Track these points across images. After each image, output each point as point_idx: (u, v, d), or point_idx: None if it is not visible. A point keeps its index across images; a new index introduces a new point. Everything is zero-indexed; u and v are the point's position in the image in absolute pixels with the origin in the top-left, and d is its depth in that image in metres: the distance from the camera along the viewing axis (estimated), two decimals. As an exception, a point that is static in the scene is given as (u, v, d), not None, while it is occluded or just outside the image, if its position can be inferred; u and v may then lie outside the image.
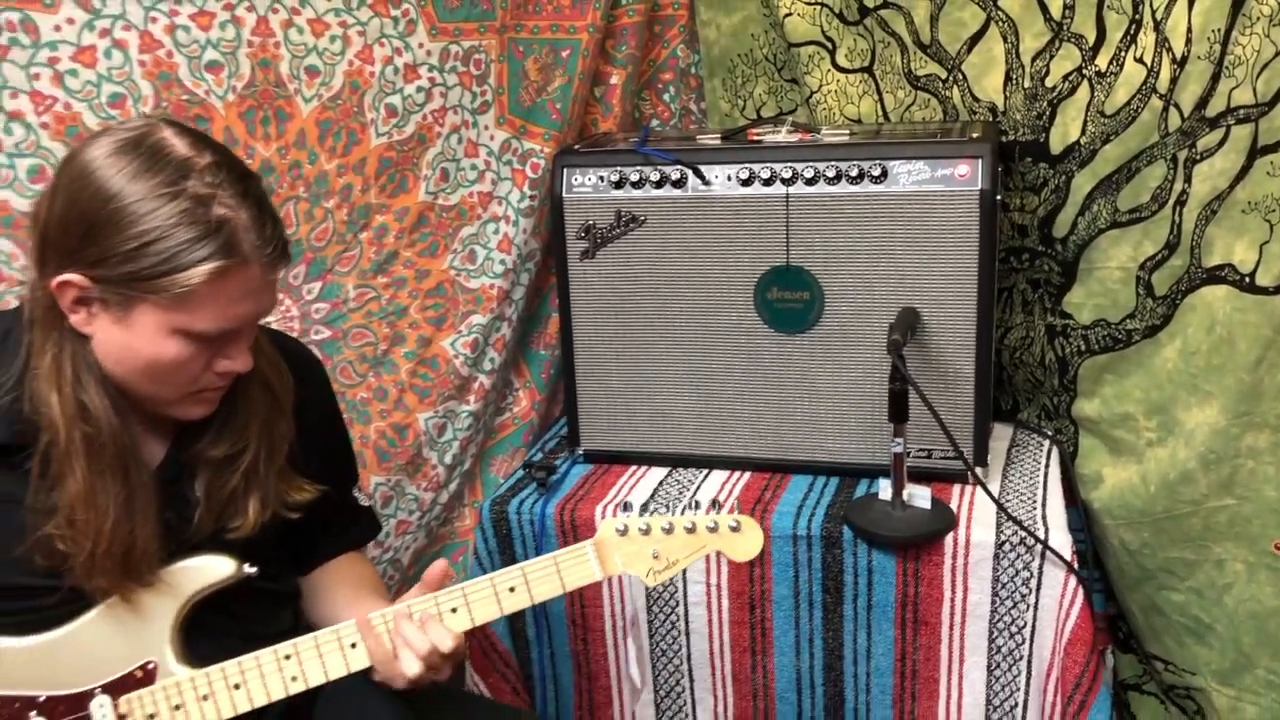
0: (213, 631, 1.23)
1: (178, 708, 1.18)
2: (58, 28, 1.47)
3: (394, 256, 1.87)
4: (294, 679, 1.20)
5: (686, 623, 1.75)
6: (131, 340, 1.12)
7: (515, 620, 1.84)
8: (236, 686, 1.19)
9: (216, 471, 1.23)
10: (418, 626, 1.22)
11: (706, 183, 1.74)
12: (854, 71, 2.00)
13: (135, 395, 1.16)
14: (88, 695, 1.18)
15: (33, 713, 1.16)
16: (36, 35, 1.45)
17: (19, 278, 1.48)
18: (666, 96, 2.24)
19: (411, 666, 1.21)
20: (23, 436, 1.13)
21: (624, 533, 1.30)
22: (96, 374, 1.13)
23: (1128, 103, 1.68)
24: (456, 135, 1.90)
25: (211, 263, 1.08)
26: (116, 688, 1.18)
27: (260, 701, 1.20)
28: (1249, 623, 1.76)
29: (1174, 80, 1.62)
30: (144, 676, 1.19)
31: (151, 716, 1.18)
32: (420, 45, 1.81)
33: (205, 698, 1.18)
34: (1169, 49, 1.62)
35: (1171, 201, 1.68)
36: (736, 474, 1.85)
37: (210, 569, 1.21)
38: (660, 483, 1.84)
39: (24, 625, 1.18)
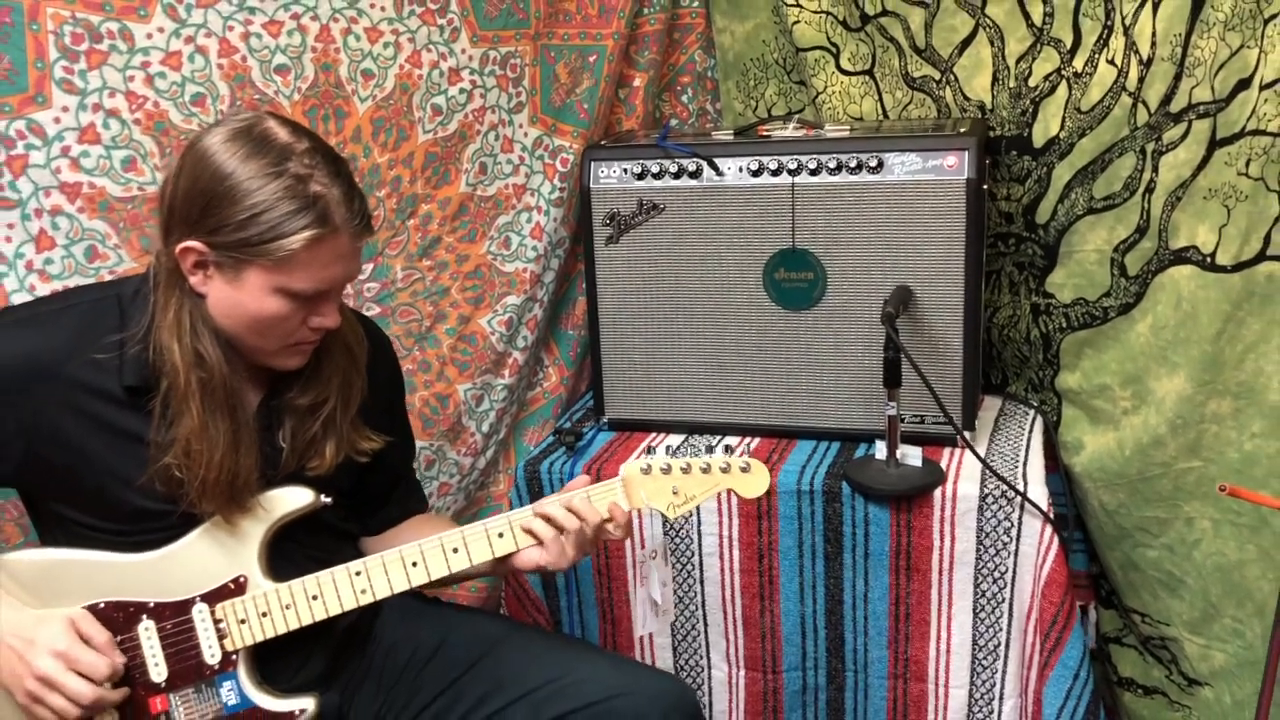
0: (290, 557, 1.42)
1: (264, 615, 1.37)
2: (150, 35, 1.66)
3: (437, 242, 2.07)
4: (363, 591, 1.39)
5: (701, 571, 1.93)
6: (241, 298, 1.31)
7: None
8: (315, 597, 1.38)
9: (301, 419, 1.42)
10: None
11: (720, 174, 1.92)
12: (856, 74, 2.17)
13: (241, 347, 1.35)
14: (189, 603, 1.37)
15: (144, 616, 1.36)
16: (132, 42, 1.65)
17: (113, 256, 1.68)
18: (685, 98, 2.42)
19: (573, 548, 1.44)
20: (148, 381, 1.32)
21: (648, 471, 1.49)
22: (210, 327, 1.33)
23: (1101, 100, 1.85)
24: (494, 133, 2.09)
25: (309, 231, 1.27)
26: (213, 597, 1.38)
27: (334, 610, 1.39)
28: (1215, 575, 1.91)
29: (1141, 80, 1.79)
30: (236, 588, 1.38)
31: (242, 621, 1.37)
32: (463, 51, 2.00)
33: (288, 606, 1.38)
34: (1136, 51, 1.79)
35: (1141, 189, 1.84)
36: (747, 439, 2.02)
37: (293, 498, 1.40)
38: (677, 447, 2.02)
39: (140, 544, 1.37)
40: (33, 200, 1.59)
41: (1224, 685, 1.96)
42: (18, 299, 1.59)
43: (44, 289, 1.61)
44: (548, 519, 1.43)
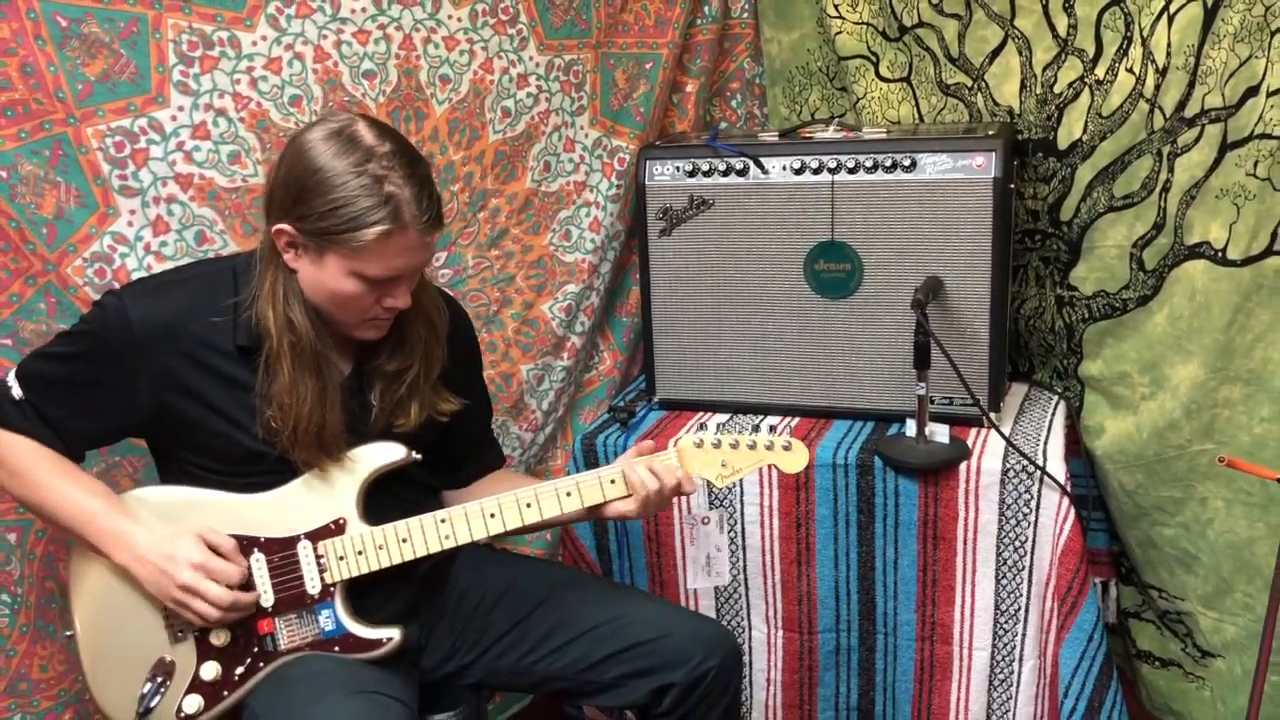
0: (383, 504, 1.60)
1: (360, 553, 1.56)
2: (254, 43, 1.85)
3: (504, 233, 2.25)
4: (447, 537, 1.57)
5: (743, 538, 2.09)
6: (322, 277, 1.49)
7: (600, 537, 2.19)
8: (404, 540, 1.56)
9: (388, 382, 1.61)
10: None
11: (765, 172, 2.08)
12: (894, 81, 2.33)
13: (326, 318, 1.54)
14: (295, 539, 1.56)
15: (255, 549, 1.55)
16: (239, 49, 1.84)
17: (219, 240, 1.87)
18: (734, 102, 2.59)
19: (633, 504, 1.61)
20: (255, 341, 1.51)
21: (700, 445, 1.65)
22: (300, 299, 1.51)
23: (1120, 106, 1.99)
24: (558, 133, 2.27)
25: (380, 226, 1.43)
26: (316, 535, 1.56)
27: (420, 552, 1.57)
28: (1228, 552, 2.02)
29: (1158, 87, 1.93)
30: (336, 529, 1.56)
31: (340, 558, 1.56)
32: (530, 58, 2.19)
33: (380, 547, 1.56)
34: (1153, 61, 1.92)
35: (1158, 189, 1.97)
36: (788, 418, 2.18)
37: (388, 452, 1.59)
38: (722, 426, 2.18)
39: (253, 486, 1.56)
40: (152, 189, 1.78)
41: (1235, 657, 2.08)
42: (136, 276, 1.78)
43: (160, 268, 1.80)
44: (650, 471, 1.61)
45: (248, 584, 1.53)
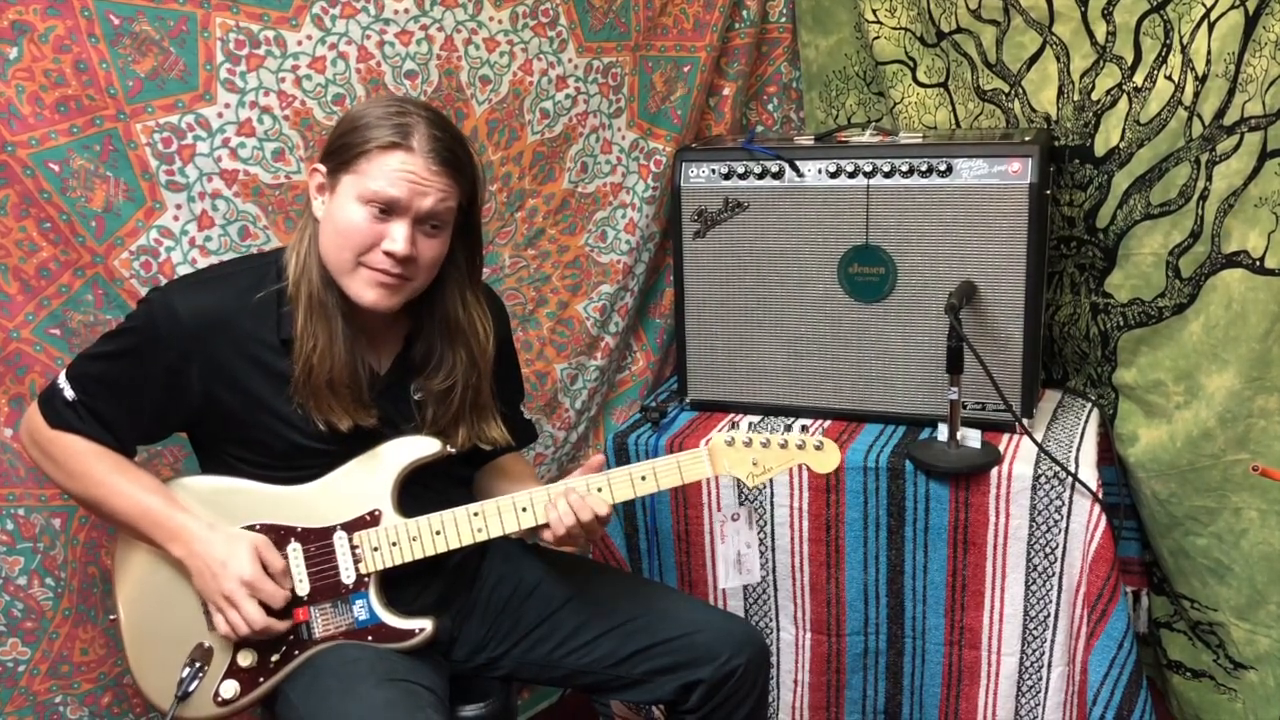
0: (416, 497, 1.62)
1: (394, 544, 1.58)
2: (299, 42, 1.88)
3: (541, 233, 2.27)
4: (479, 530, 1.59)
5: (773, 540, 2.10)
6: (334, 210, 1.51)
7: (631, 535, 2.21)
8: (437, 532, 1.58)
9: (437, 402, 1.63)
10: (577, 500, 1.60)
11: (800, 175, 2.09)
12: (932, 86, 2.33)
13: (331, 268, 1.53)
14: (331, 530, 1.59)
15: (293, 539, 1.57)
16: (285, 48, 1.87)
17: (262, 235, 1.90)
18: (771, 106, 2.60)
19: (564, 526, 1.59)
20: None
21: (731, 444, 1.66)
22: (316, 249, 1.54)
23: (1159, 113, 1.98)
24: (595, 135, 2.29)
25: (387, 138, 1.48)
26: (351, 526, 1.59)
27: (454, 544, 1.59)
28: (1262, 563, 2.01)
29: (1197, 95, 1.92)
30: (371, 520, 1.59)
31: (375, 549, 1.58)
32: (569, 60, 2.21)
33: (414, 539, 1.58)
34: (1193, 68, 1.92)
35: (1195, 197, 1.97)
36: (819, 421, 2.18)
37: (423, 445, 1.61)
38: (754, 426, 2.19)
39: (294, 479, 1.59)
40: (197, 184, 1.82)
41: (1269, 669, 2.06)
42: (182, 270, 1.82)
43: (203, 262, 1.83)
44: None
45: (282, 612, 1.56)
